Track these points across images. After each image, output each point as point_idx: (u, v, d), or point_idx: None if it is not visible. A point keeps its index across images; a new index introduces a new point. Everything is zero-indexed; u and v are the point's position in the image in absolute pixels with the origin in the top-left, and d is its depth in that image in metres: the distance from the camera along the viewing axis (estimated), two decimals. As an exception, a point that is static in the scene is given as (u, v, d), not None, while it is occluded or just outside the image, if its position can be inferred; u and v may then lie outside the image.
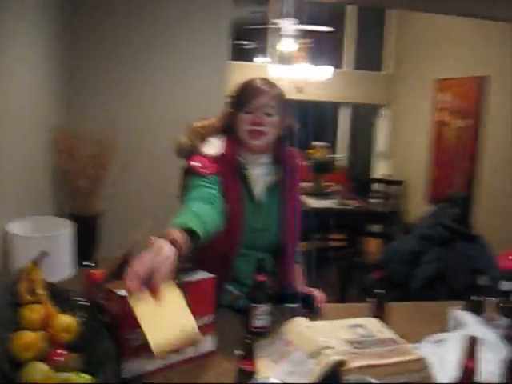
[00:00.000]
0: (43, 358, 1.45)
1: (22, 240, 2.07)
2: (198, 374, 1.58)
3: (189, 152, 2.07)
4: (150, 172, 3.61)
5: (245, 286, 2.03)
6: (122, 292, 1.44)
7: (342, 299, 3.00)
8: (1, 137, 2.37)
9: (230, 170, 2.01)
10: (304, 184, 5.75)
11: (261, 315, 1.81)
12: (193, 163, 1.97)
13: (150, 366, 1.53)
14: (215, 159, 1.99)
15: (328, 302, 2.18)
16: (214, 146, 2.04)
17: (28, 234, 2.11)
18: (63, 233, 2.15)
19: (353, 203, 5.67)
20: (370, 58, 8.03)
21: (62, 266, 2.11)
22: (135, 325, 1.43)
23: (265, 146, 2.04)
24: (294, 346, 1.64)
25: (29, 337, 1.45)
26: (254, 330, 1.81)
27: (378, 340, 1.70)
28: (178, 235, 1.51)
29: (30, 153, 2.74)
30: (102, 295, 1.52)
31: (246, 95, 2.02)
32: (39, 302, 1.62)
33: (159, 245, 1.45)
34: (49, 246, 2.06)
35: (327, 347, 1.56)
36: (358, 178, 7.58)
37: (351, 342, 1.68)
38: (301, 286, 2.20)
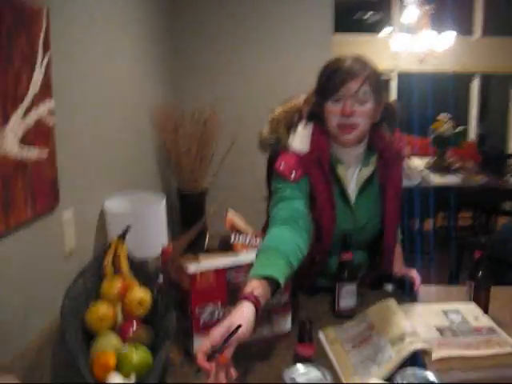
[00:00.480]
0: (117, 329, 1.47)
1: (115, 216, 2.12)
2: (263, 356, 1.51)
3: (273, 146, 1.89)
4: (253, 150, 3.60)
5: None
6: (192, 268, 1.42)
7: (452, 281, 2.78)
8: (107, 114, 2.45)
9: (320, 169, 1.76)
10: (426, 159, 5.45)
11: (347, 295, 1.71)
12: (280, 166, 1.75)
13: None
14: (304, 157, 1.76)
15: (437, 283, 2.00)
16: (301, 139, 1.79)
17: (120, 210, 2.16)
18: (155, 208, 2.17)
19: (481, 179, 5.25)
20: (501, 21, 7.38)
21: (154, 241, 2.14)
22: (204, 301, 1.41)
23: (357, 138, 1.76)
24: (377, 330, 1.52)
25: (104, 309, 1.48)
26: (340, 311, 1.72)
27: (472, 328, 1.53)
28: (259, 292, 1.35)
29: (135, 130, 2.81)
30: (174, 270, 1.50)
31: (334, 80, 1.69)
32: (120, 275, 1.66)
33: (236, 316, 1.30)
34: (139, 221, 2.09)
35: (412, 333, 1.42)
36: (489, 153, 7.04)
37: (441, 329, 1.53)
38: (398, 266, 2.03)
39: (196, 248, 1.53)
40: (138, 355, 1.29)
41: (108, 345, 1.38)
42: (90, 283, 1.62)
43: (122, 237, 1.76)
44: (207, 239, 1.57)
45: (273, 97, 3.47)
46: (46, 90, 1.77)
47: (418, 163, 5.20)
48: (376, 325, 1.55)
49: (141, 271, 1.68)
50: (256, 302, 1.32)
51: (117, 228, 2.08)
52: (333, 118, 1.72)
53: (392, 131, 1.86)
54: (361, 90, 1.68)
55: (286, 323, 1.61)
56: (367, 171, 1.81)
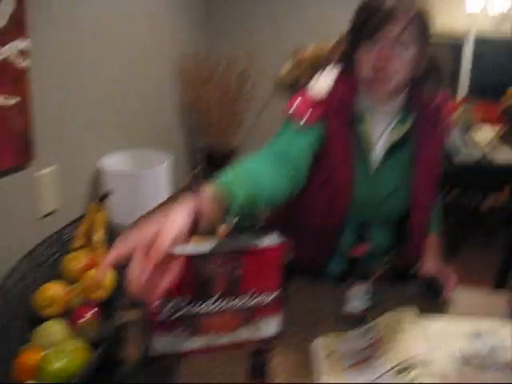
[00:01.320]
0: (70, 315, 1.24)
1: (111, 176, 1.87)
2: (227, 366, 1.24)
3: (291, 87, 1.62)
4: None
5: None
6: None
7: (501, 283, 2.38)
8: (113, 59, 2.18)
9: (340, 121, 1.49)
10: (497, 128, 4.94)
11: (355, 297, 1.41)
12: (289, 106, 1.50)
13: (184, 344, 1.24)
14: (322, 102, 1.48)
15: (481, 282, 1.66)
16: (323, 83, 1.51)
17: (116, 170, 1.90)
18: (156, 169, 1.91)
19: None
20: None
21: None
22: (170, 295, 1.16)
23: (393, 90, 1.47)
24: (383, 349, 1.23)
25: (52, 290, 1.25)
26: (345, 314, 1.43)
27: (506, 361, 1.21)
28: (206, 202, 1.06)
29: (150, 79, 2.50)
30: None
31: (373, 20, 1.39)
32: (91, 249, 1.43)
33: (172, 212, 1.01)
34: (139, 182, 1.84)
35: (423, 363, 1.13)
36: None
37: (465, 358, 1.22)
38: (429, 264, 1.70)
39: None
40: (59, 360, 1.04)
41: (46, 337, 1.15)
42: (52, 257, 1.40)
43: (100, 202, 1.52)
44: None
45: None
46: (16, 27, 1.51)
47: (487, 133, 4.72)
48: (384, 341, 1.26)
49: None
50: (198, 214, 1.03)
51: (111, 187, 1.85)
52: (366, 65, 1.43)
53: (437, 90, 1.53)
54: (405, 33, 1.37)
55: (270, 326, 1.33)
56: (398, 133, 1.51)
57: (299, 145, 1.44)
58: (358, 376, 1.19)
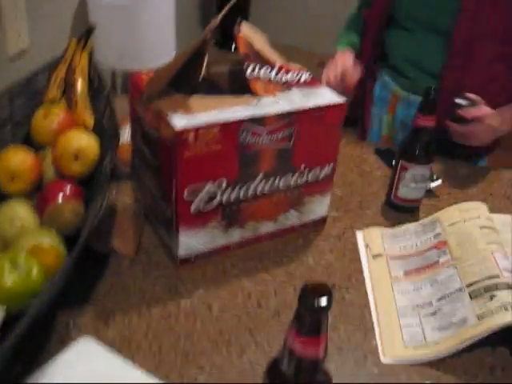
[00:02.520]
0: (38, 195, 0.93)
1: (99, 8, 1.45)
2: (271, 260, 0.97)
3: None
4: None
5: (404, 76, 1.38)
6: (181, 122, 0.78)
7: None
8: None
9: None
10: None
11: (412, 181, 1.09)
12: None
13: (216, 240, 0.93)
14: None
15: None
16: None
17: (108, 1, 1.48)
18: (158, 1, 1.49)
19: None
20: None
21: (157, 48, 1.50)
22: (199, 177, 0.83)
23: None
24: (448, 257, 0.94)
25: (16, 158, 0.92)
26: (397, 201, 1.12)
27: None
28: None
29: None
30: (149, 117, 0.88)
31: None
32: (67, 103, 1.08)
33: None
34: (135, 16, 1.43)
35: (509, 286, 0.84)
36: None
37: None
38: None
39: (188, 82, 0.90)
40: (14, 271, 0.71)
41: (3, 225, 0.84)
42: (17, 113, 1.06)
43: (83, 40, 1.14)
44: (204, 65, 0.93)
45: None
46: None
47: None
48: (449, 244, 0.96)
49: (100, 97, 1.09)
50: None
51: (100, 24, 1.45)
52: None
53: None
54: None
55: (322, 206, 1.03)
56: None
57: None
58: (414, 292, 0.91)
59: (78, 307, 0.83)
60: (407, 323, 0.86)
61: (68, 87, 1.10)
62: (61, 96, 1.09)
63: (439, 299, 0.88)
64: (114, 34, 1.45)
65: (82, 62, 1.12)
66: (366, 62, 1.40)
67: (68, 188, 0.91)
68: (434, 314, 0.86)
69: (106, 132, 0.99)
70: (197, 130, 0.77)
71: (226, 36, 2.53)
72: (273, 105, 0.85)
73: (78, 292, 0.85)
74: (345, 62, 1.34)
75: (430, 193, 1.18)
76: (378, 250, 1.01)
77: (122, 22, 1.45)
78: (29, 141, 1.04)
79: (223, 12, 0.85)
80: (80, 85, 1.09)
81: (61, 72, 1.11)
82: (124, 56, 1.41)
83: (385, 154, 1.31)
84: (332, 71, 1.31)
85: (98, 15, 1.45)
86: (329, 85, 1.21)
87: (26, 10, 1.30)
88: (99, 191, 0.80)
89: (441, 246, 0.97)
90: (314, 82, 0.94)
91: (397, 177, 1.11)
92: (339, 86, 1.26)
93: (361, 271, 0.97)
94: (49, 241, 0.79)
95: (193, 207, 0.85)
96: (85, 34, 1.13)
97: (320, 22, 2.72)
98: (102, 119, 1.03)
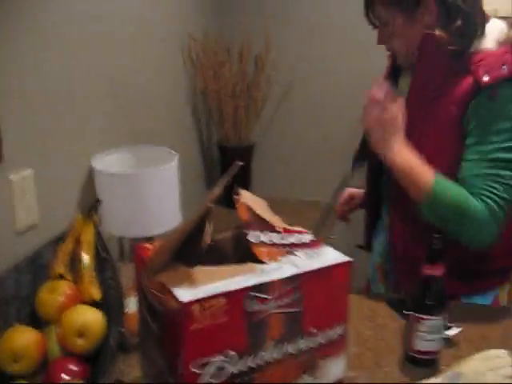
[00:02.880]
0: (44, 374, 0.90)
1: (103, 177, 1.52)
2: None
3: None
4: (317, 95, 2.83)
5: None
6: (186, 295, 0.78)
7: None
8: (124, 42, 1.82)
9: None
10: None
11: (428, 333, 1.06)
12: None
13: None
14: None
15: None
16: None
17: (110, 171, 1.54)
18: (162, 168, 1.56)
19: None
20: None
21: (163, 214, 1.54)
22: (207, 350, 0.80)
23: (406, 55, 1.30)
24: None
25: (21, 337, 0.91)
26: (415, 355, 1.08)
27: None
28: None
29: (154, 66, 2.11)
30: (153, 288, 0.87)
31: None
32: (74, 277, 1.09)
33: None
34: (141, 185, 1.49)
35: None
36: None
37: None
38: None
39: (192, 252, 0.91)
40: None
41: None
42: (23, 289, 1.06)
43: (90, 213, 1.17)
44: (207, 234, 0.94)
45: (336, 31, 2.74)
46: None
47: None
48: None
49: (105, 271, 1.10)
50: None
51: (106, 194, 1.51)
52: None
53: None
54: (370, 14, 1.29)
55: (337, 367, 0.97)
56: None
57: None
58: None
59: None
60: None
61: (75, 261, 1.11)
62: (67, 271, 1.10)
63: None
64: (120, 202, 1.49)
65: (88, 236, 1.14)
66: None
67: (72, 367, 0.88)
68: None
69: (112, 305, 0.98)
70: (202, 301, 0.77)
71: (229, 195, 2.62)
72: (277, 270, 0.85)
73: None
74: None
75: (448, 341, 1.13)
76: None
77: (127, 190, 1.50)
78: (35, 317, 1.04)
79: (223, 181, 0.88)
80: (86, 258, 1.10)
81: (67, 247, 1.13)
82: (132, 221, 1.44)
83: (398, 304, 1.28)
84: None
85: (104, 184, 1.51)
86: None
87: (36, 189, 1.36)
88: (104, 370, 0.77)
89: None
90: (316, 243, 0.95)
91: (410, 330, 1.08)
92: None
93: None
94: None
95: (201, 380, 0.81)
96: (91, 207, 1.17)
97: (320, 171, 2.82)
98: (109, 291, 1.03)
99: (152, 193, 1.50)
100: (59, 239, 1.16)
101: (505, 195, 1.17)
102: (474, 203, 1.16)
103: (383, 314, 1.26)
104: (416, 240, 1.29)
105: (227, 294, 0.78)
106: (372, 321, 1.23)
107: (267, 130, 2.88)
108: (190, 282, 0.80)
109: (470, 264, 1.30)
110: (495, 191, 1.16)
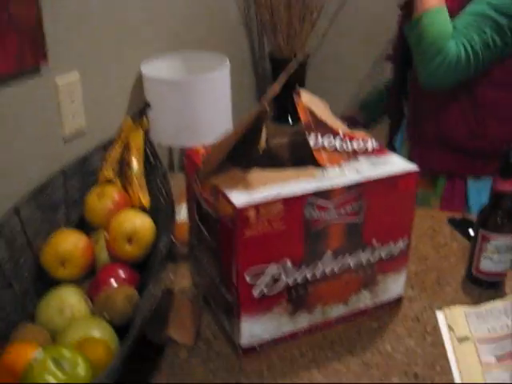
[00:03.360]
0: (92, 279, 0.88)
1: (153, 83, 1.45)
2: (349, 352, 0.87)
3: None
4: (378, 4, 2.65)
5: None
6: (241, 198, 0.72)
7: None
8: None
9: None
10: None
11: (496, 253, 0.99)
12: None
13: (282, 327, 0.84)
14: None
15: None
16: None
17: (159, 76, 1.47)
18: (213, 75, 1.47)
19: None
20: None
21: (214, 122, 1.47)
22: (262, 258, 0.75)
23: None
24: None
25: (68, 241, 0.88)
26: (479, 276, 1.01)
27: None
28: None
29: None
30: (205, 194, 0.83)
31: None
32: (122, 182, 1.05)
33: None
34: (191, 92, 1.42)
35: None
36: None
37: None
38: None
39: (246, 156, 0.85)
40: (58, 369, 0.63)
41: (51, 314, 0.78)
42: (71, 194, 1.02)
43: (138, 117, 1.12)
44: (263, 137, 0.88)
45: None
46: None
47: None
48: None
49: (155, 177, 1.05)
50: None
51: (156, 101, 1.44)
52: None
53: None
54: None
55: (397, 284, 0.93)
56: None
57: None
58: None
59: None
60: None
61: (123, 166, 1.07)
62: (116, 176, 1.06)
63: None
64: (170, 110, 1.43)
65: (137, 141, 1.09)
66: None
67: (121, 273, 0.85)
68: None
69: (162, 212, 0.94)
70: (258, 206, 0.71)
71: (281, 110, 2.52)
72: (339, 176, 0.78)
73: (130, 388, 0.77)
74: None
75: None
76: (464, 332, 0.89)
77: (177, 97, 1.43)
78: (83, 223, 1.01)
79: (280, 80, 0.80)
80: (135, 164, 1.06)
81: (116, 151, 1.08)
82: (182, 130, 1.38)
83: (460, 224, 1.20)
84: None
85: (154, 92, 1.44)
86: None
87: (83, 93, 1.30)
88: (154, 277, 0.74)
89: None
90: (382, 149, 0.86)
91: (477, 248, 1.00)
92: None
93: (446, 357, 0.85)
94: (98, 332, 0.73)
95: (256, 291, 0.77)
96: (140, 111, 1.11)
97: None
98: (159, 198, 0.99)
99: (203, 100, 1.42)
100: (107, 144, 1.12)
101: (479, 50, 1.21)
102: (451, 44, 1.21)
103: (445, 233, 1.18)
104: None
105: (285, 199, 0.72)
106: (433, 239, 1.16)
107: (322, 42, 2.73)
108: (246, 185, 0.74)
109: None
110: (473, 43, 1.21)
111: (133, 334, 0.66)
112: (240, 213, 0.70)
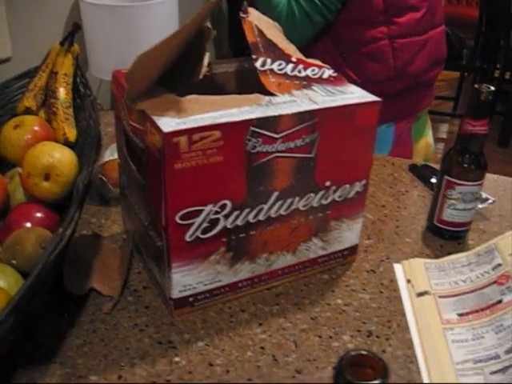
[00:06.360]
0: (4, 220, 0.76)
1: (93, 10, 1.30)
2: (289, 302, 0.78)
3: None
4: None
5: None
6: (171, 123, 0.60)
7: None
8: None
9: None
10: None
11: (459, 201, 0.90)
12: None
13: (221, 278, 0.73)
14: None
15: None
16: None
17: (101, 1, 1.32)
18: (161, 2, 1.33)
19: None
20: None
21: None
22: (195, 197, 0.64)
23: None
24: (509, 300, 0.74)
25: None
26: (441, 226, 0.93)
27: None
28: None
29: None
30: (132, 121, 0.69)
31: None
32: (45, 112, 0.92)
33: None
34: (136, 21, 1.27)
35: None
36: None
37: None
38: None
39: (183, 78, 0.73)
40: None
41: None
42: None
43: (66, 42, 0.98)
44: (207, 59, 0.76)
45: None
46: None
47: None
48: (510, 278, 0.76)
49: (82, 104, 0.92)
50: None
51: (94, 31, 1.30)
52: None
53: None
54: None
55: (352, 232, 0.83)
56: None
57: None
58: (474, 342, 0.71)
59: (40, 368, 0.64)
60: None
61: (48, 97, 0.93)
62: (39, 106, 0.93)
63: (508, 351, 0.68)
64: (110, 40, 1.29)
65: (65, 67, 0.96)
66: None
67: (36, 214, 0.74)
68: (503, 370, 0.66)
69: (87, 145, 0.81)
70: (191, 133, 0.59)
71: (236, 50, 2.40)
72: (289, 104, 0.67)
73: (42, 347, 0.67)
74: None
75: (477, 215, 0.98)
76: (424, 286, 0.81)
77: (118, 25, 1.29)
78: (-1, 157, 0.88)
79: None
80: (62, 93, 0.92)
81: (40, 79, 0.95)
82: (122, 66, 1.25)
83: (422, 171, 1.12)
84: None
85: (92, 18, 1.29)
86: None
87: (8, 16, 1.14)
88: (67, 215, 0.62)
89: (503, 280, 0.78)
90: (340, 79, 0.76)
91: (441, 196, 0.92)
92: None
93: (403, 314, 0.77)
94: (1, 281, 0.61)
95: (188, 235, 0.66)
96: (68, 34, 0.98)
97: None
98: (88, 133, 0.86)
99: (148, 29, 1.28)
100: (31, 72, 0.98)
101: (308, 9, 1.17)
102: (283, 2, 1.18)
103: (406, 180, 1.10)
104: None
105: (224, 126, 0.61)
106: (392, 187, 1.07)
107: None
108: (178, 110, 0.62)
109: None
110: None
111: (33, 276, 0.54)
112: (169, 140, 0.58)
